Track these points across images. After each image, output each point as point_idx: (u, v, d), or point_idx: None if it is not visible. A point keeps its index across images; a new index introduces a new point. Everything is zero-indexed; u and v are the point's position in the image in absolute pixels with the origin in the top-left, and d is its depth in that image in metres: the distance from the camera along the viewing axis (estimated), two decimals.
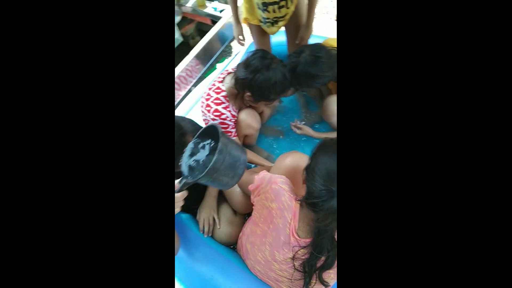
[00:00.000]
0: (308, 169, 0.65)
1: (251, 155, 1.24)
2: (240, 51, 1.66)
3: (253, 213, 0.80)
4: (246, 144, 1.30)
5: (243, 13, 1.30)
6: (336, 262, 0.65)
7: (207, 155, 0.68)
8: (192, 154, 0.68)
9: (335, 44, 1.19)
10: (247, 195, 0.98)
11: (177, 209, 0.62)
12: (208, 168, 0.59)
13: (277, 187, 0.72)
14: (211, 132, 0.67)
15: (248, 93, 1.03)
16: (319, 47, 1.09)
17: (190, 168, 0.66)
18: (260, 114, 1.30)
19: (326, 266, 0.64)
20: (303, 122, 1.38)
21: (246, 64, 0.99)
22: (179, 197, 0.61)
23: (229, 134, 1.13)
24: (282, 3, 1.15)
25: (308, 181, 0.64)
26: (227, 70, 1.17)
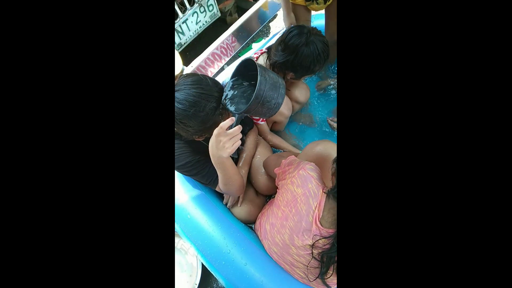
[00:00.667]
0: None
1: (278, 141, 1.22)
2: (278, 32, 1.62)
3: (276, 196, 0.79)
4: (274, 130, 1.28)
5: None
6: None
7: (245, 89, 0.73)
8: (232, 95, 0.75)
9: None
10: (271, 177, 0.98)
11: (237, 144, 0.66)
12: (256, 90, 0.66)
13: (305, 173, 0.71)
14: (242, 72, 0.74)
15: (291, 73, 1.00)
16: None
17: (235, 103, 0.74)
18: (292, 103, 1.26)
19: None
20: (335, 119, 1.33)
21: (284, 45, 0.95)
22: (237, 130, 0.65)
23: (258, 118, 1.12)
24: None
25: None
26: (261, 50, 1.14)
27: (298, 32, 0.93)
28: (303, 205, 0.68)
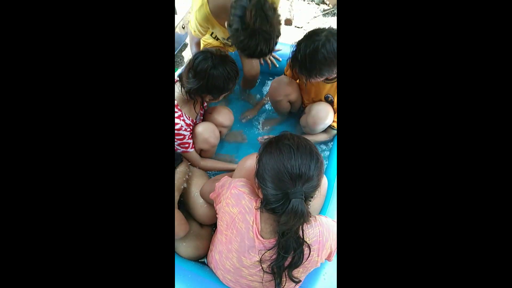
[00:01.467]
0: (258, 175, 0.66)
1: (211, 163, 1.21)
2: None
3: (217, 222, 0.78)
4: (203, 156, 1.25)
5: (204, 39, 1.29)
6: (302, 259, 0.65)
7: None
8: None
9: None
10: (210, 205, 0.96)
11: None
12: None
13: (237, 191, 0.72)
14: None
15: (209, 96, 1.03)
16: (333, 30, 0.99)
17: None
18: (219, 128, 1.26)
19: (294, 265, 0.65)
20: (265, 137, 1.36)
21: (194, 72, 0.97)
22: None
23: (186, 145, 1.08)
24: None
25: (262, 188, 0.64)
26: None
27: (203, 57, 0.96)
28: (241, 223, 0.68)
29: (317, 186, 0.63)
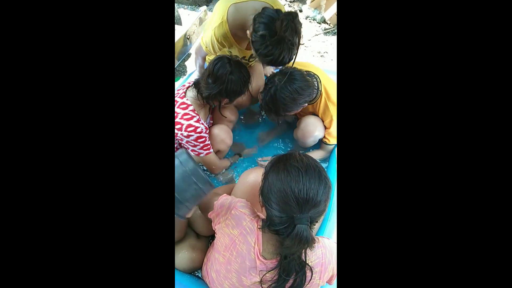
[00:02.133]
0: (263, 194, 0.64)
1: (227, 163, 1.26)
2: (194, 71, 1.66)
3: (215, 241, 0.76)
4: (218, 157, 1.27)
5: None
6: (305, 281, 0.63)
7: None
8: None
9: (301, 67, 1.21)
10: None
11: None
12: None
13: (238, 212, 0.70)
14: None
15: (225, 99, 1.08)
16: (290, 69, 1.09)
17: None
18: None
19: (296, 287, 0.62)
20: (265, 158, 1.37)
21: (213, 77, 1.01)
22: None
23: (207, 147, 1.12)
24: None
25: (266, 208, 0.63)
26: (184, 85, 1.15)
27: (222, 63, 1.01)
28: (242, 245, 0.66)
29: (323, 211, 0.61)
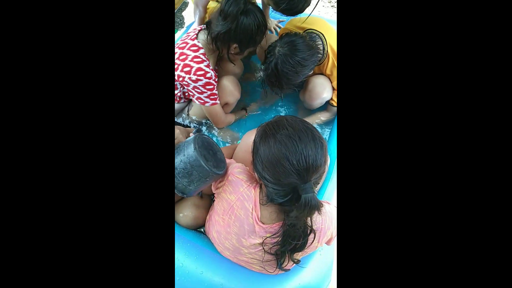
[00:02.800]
0: (257, 171, 0.61)
1: (232, 118, 1.22)
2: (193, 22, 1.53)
3: (214, 203, 0.78)
4: (224, 111, 1.22)
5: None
6: (306, 244, 0.64)
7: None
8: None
9: (303, 24, 1.11)
10: None
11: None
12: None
13: (234, 178, 0.69)
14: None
15: (235, 45, 0.97)
16: (292, 37, 0.99)
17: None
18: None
19: (298, 249, 0.64)
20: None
21: (223, 15, 0.90)
22: None
23: (214, 96, 1.05)
24: None
25: (264, 184, 0.61)
26: (195, 29, 1.06)
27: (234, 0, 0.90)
28: (240, 210, 0.67)
29: (324, 172, 0.60)
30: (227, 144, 1.26)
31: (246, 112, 1.32)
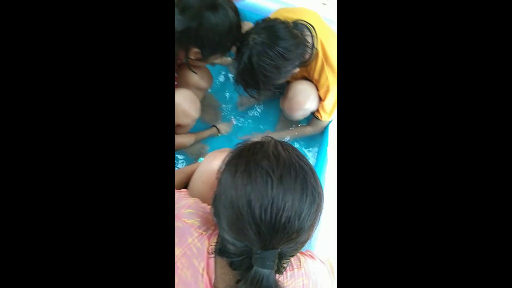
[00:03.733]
0: (213, 204, 0.42)
1: (189, 139, 0.98)
2: None
3: None
4: (177, 133, 0.98)
5: None
6: None
7: None
8: None
9: (290, 14, 0.86)
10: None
11: None
12: None
13: (181, 224, 0.48)
14: None
15: (195, 49, 0.72)
16: (270, 22, 0.76)
17: None
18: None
19: None
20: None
21: (181, 7, 0.65)
22: None
23: None
24: None
25: (218, 226, 0.42)
26: None
27: None
28: (186, 270, 0.46)
29: (305, 242, 0.40)
30: (192, 162, 1.06)
31: (219, 131, 1.08)
